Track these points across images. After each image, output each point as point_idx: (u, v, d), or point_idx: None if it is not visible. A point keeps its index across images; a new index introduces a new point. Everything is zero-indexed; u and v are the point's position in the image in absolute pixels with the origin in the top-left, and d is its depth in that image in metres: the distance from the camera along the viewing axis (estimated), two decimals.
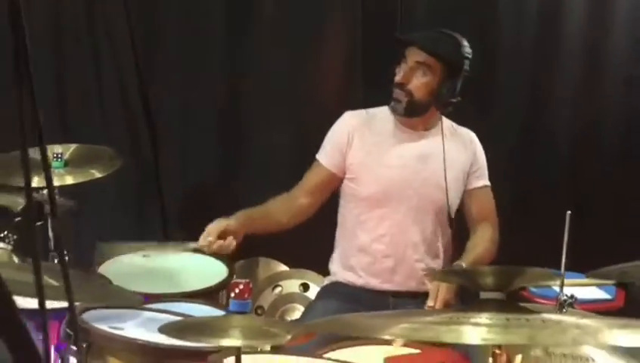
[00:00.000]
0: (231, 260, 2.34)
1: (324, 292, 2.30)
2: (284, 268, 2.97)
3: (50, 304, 0.83)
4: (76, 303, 1.69)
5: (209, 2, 3.01)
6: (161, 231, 3.10)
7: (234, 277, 2.45)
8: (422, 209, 2.22)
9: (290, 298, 2.83)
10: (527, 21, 2.97)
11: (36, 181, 1.89)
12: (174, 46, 3.05)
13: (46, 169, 0.82)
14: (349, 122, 2.29)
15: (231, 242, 2.09)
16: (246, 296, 1.30)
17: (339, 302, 2.16)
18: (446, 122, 2.29)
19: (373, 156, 2.24)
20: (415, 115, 2.23)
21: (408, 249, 2.22)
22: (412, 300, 2.16)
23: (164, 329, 1.26)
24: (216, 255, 2.20)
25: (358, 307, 2.07)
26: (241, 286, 1.30)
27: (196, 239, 2.16)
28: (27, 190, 0.81)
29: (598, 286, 2.44)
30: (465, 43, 2.21)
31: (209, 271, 2.29)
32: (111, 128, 3.02)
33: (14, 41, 0.71)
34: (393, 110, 2.24)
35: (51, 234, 1.98)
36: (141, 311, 1.77)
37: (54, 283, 1.16)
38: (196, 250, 2.17)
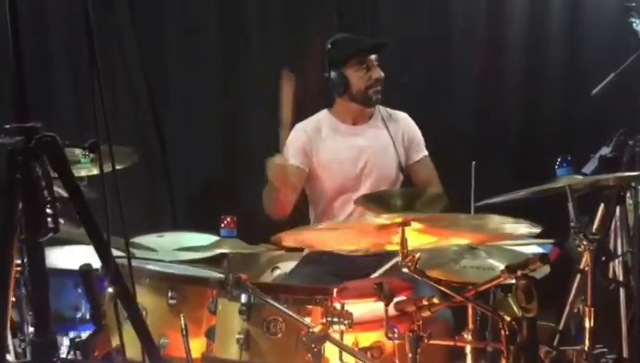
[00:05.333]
0: None
1: (304, 258, 2.77)
2: (281, 252, 3.26)
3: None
4: None
5: (204, 12, 3.48)
6: (171, 221, 3.46)
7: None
8: (377, 186, 2.69)
9: (291, 272, 3.02)
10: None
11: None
12: (174, 51, 3.49)
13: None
14: (302, 132, 2.75)
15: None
16: (232, 226, 1.85)
17: (315, 262, 2.65)
18: (383, 111, 2.79)
19: (327, 155, 2.73)
20: None
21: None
22: (373, 258, 2.52)
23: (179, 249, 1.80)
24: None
25: (330, 267, 2.56)
26: (228, 219, 1.86)
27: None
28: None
29: (539, 244, 2.92)
30: None
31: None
32: (123, 128, 3.41)
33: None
34: (375, 102, 2.72)
35: None
36: (154, 262, 2.30)
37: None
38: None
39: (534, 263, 1.55)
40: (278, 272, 3.12)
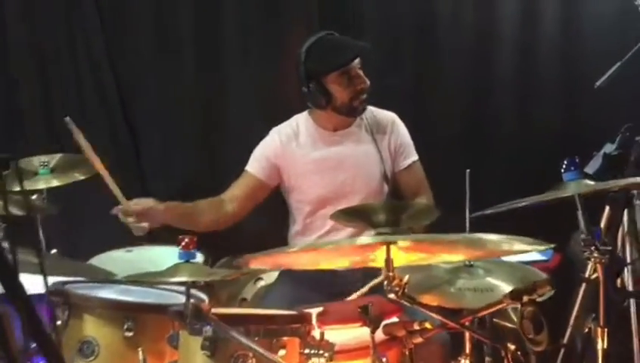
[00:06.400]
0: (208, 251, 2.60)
1: (283, 273, 2.54)
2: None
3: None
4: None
5: (178, 6, 3.29)
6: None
7: (209, 264, 2.71)
8: (360, 198, 2.43)
9: (270, 289, 2.90)
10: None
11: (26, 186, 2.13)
12: (147, 50, 3.30)
13: None
14: (277, 139, 2.52)
15: (144, 226, 2.30)
16: (191, 247, 1.60)
17: (295, 278, 2.41)
18: (368, 113, 2.52)
19: (304, 165, 2.47)
20: None
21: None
22: (352, 275, 2.31)
23: (129, 277, 1.54)
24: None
25: (312, 283, 2.32)
26: (187, 240, 1.60)
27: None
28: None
29: (538, 251, 2.69)
30: None
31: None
32: (93, 133, 3.26)
33: None
34: (361, 112, 2.47)
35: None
36: (112, 284, 2.04)
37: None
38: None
39: (543, 287, 1.32)
40: (261, 284, 2.91)
